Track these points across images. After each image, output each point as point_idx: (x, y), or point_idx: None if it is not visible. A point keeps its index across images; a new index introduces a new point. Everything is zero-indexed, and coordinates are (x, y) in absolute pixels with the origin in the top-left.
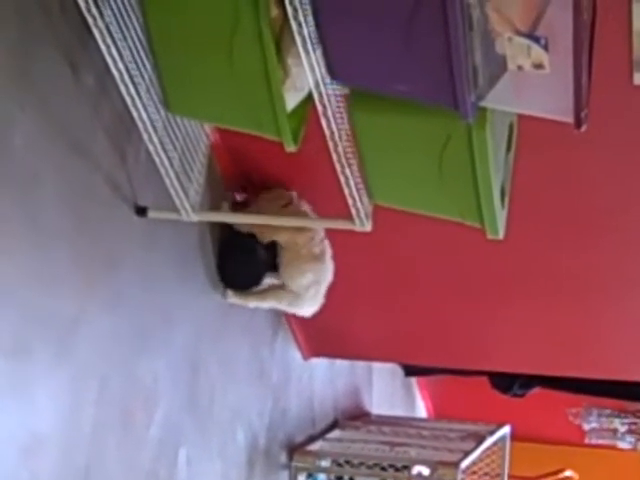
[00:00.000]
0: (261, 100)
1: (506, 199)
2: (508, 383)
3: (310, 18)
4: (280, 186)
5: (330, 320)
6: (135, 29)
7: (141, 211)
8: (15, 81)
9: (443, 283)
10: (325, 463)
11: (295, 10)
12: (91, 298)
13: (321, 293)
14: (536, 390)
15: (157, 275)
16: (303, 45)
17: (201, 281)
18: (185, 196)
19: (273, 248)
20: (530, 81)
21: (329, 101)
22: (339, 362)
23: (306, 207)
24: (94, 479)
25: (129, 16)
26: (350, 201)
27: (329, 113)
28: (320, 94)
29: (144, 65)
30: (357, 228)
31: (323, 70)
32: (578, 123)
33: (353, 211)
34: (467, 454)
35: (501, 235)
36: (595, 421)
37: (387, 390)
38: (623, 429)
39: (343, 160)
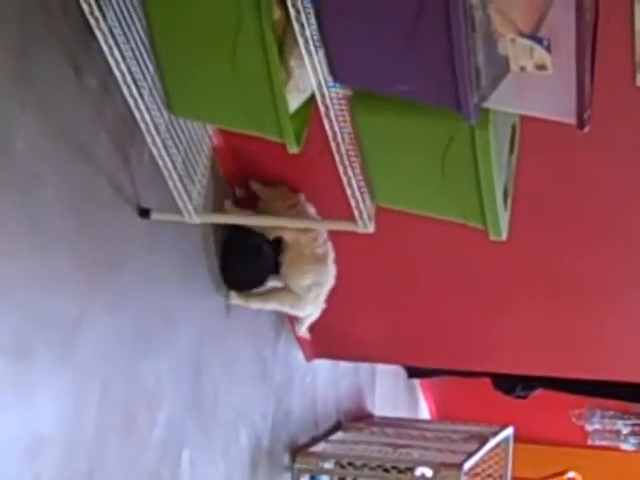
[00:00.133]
0: (264, 101)
1: (509, 200)
2: (511, 384)
3: (312, 20)
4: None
5: (333, 321)
6: (138, 31)
7: (144, 213)
8: (17, 82)
9: (446, 284)
10: (328, 465)
11: (297, 12)
12: (93, 299)
13: (323, 296)
14: (539, 391)
15: (160, 277)
16: (305, 46)
17: (204, 282)
18: (188, 198)
19: (278, 245)
20: (533, 82)
21: (331, 102)
22: (343, 364)
23: (312, 209)
24: None
25: (132, 18)
26: (353, 202)
27: (331, 114)
28: (322, 95)
29: (147, 67)
30: (360, 230)
31: (325, 71)
32: (581, 124)
33: (356, 213)
34: (470, 455)
35: (504, 236)
36: (598, 422)
37: (390, 392)
38: (626, 430)
39: (346, 161)
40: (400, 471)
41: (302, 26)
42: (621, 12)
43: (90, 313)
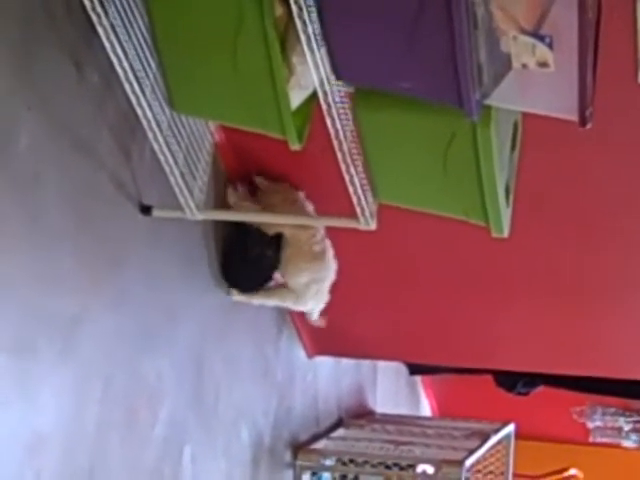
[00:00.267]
0: (266, 98)
1: (511, 197)
2: (512, 381)
3: (315, 16)
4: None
5: (334, 318)
6: (140, 28)
7: (146, 210)
8: (19, 80)
9: (448, 282)
10: (329, 462)
11: (300, 9)
12: (95, 296)
13: (324, 290)
14: (540, 388)
15: (161, 273)
16: (308, 43)
17: (206, 279)
18: (190, 194)
19: (278, 241)
20: (535, 79)
21: (334, 99)
22: (344, 361)
23: (311, 208)
24: (98, 477)
25: (134, 15)
26: (355, 199)
27: (334, 111)
28: (325, 92)
29: (149, 64)
30: (362, 227)
31: (328, 68)
32: (583, 121)
33: (358, 210)
34: (471, 452)
35: (506, 233)
36: (599, 419)
37: (391, 389)
38: (628, 427)
39: (348, 158)
40: (401, 468)
41: (304, 23)
42: (623, 9)
43: (91, 310)
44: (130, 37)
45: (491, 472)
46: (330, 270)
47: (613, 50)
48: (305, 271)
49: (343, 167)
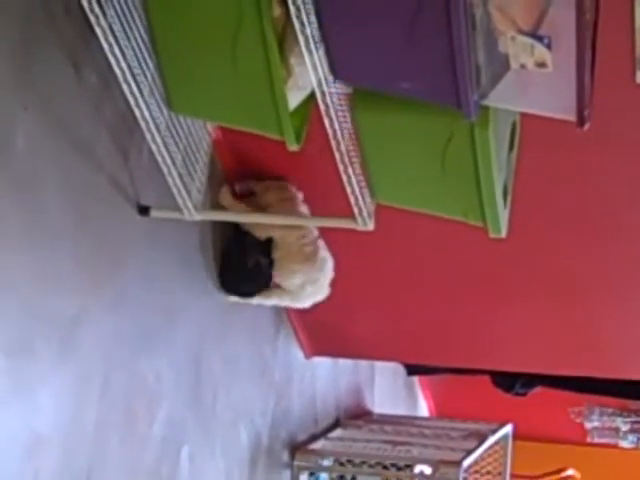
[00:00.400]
0: (264, 99)
1: (508, 198)
2: (510, 382)
3: (313, 17)
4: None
5: (332, 319)
6: (138, 28)
7: (144, 210)
8: (17, 80)
9: (445, 282)
10: (327, 462)
11: (298, 9)
12: (94, 297)
13: (322, 287)
14: (538, 389)
15: (160, 274)
16: (306, 44)
17: (203, 280)
18: (187, 195)
19: (270, 245)
20: (533, 80)
21: (332, 100)
22: (342, 361)
23: (304, 209)
24: (96, 478)
25: (132, 15)
26: (352, 200)
27: (332, 112)
28: (323, 93)
29: (147, 64)
30: (360, 227)
31: (326, 69)
32: (581, 122)
33: (355, 210)
34: (469, 453)
35: (503, 234)
36: (597, 420)
37: (389, 389)
38: (625, 428)
39: (345, 159)
40: (399, 468)
41: (302, 24)
42: (621, 9)
43: (91, 311)
44: (128, 38)
45: (489, 472)
46: (324, 270)
47: (611, 50)
48: (298, 273)
49: (341, 167)
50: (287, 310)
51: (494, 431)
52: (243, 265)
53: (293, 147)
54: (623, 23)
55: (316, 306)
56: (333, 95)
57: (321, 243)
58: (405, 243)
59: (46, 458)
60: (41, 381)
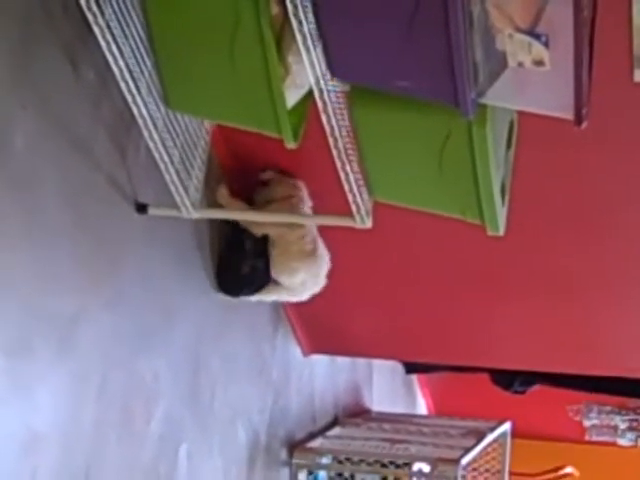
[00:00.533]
0: (262, 97)
1: (506, 196)
2: (509, 380)
3: (310, 15)
4: None
5: (330, 317)
6: (136, 26)
7: (141, 208)
8: (16, 79)
9: (443, 280)
10: (325, 460)
11: (295, 8)
12: (92, 296)
13: (321, 279)
14: (537, 387)
15: (158, 272)
16: (303, 42)
17: (201, 278)
18: (185, 193)
19: (266, 244)
20: (530, 78)
21: (329, 98)
22: (340, 359)
23: (308, 208)
24: (95, 476)
25: (130, 13)
26: (350, 198)
27: (329, 110)
28: (320, 91)
29: (144, 62)
30: (357, 225)
31: (323, 67)
32: (578, 120)
33: (353, 208)
34: (468, 451)
35: (501, 232)
36: (595, 418)
37: (387, 387)
38: (624, 426)
39: (343, 156)
40: (397, 466)
41: (300, 22)
42: (619, 7)
43: (89, 309)
44: (126, 36)
45: (487, 470)
46: (324, 262)
47: (609, 48)
48: (298, 270)
49: (338, 165)
50: (285, 308)
51: (493, 429)
52: (239, 270)
53: (291, 145)
54: (621, 21)
55: (314, 304)
56: (331, 93)
57: (320, 240)
58: (403, 241)
59: (44, 456)
60: (39, 380)
